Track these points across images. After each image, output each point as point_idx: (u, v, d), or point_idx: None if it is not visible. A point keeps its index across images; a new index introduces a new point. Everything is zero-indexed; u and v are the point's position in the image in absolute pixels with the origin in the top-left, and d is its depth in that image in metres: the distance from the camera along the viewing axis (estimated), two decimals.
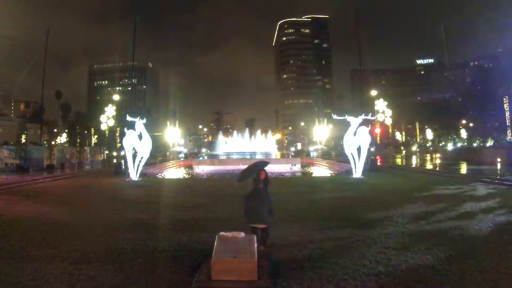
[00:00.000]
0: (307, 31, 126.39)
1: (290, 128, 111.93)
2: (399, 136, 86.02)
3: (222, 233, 4.73)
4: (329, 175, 21.46)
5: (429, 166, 24.99)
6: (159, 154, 42.52)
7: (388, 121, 32.13)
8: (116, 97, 39.84)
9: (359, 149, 17.46)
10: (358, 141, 17.26)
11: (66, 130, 60.84)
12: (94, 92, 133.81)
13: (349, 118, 17.61)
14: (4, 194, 12.61)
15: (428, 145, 73.55)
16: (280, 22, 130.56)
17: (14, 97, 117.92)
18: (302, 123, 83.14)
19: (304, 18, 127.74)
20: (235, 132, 75.08)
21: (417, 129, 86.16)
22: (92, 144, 52.24)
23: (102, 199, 11.47)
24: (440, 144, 71.44)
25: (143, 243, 5.86)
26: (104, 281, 4.23)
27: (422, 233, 6.25)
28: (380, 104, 30.78)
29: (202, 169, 27.42)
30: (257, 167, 6.57)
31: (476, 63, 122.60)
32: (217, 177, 20.01)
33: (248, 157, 32.25)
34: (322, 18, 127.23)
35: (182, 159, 41.72)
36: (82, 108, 68.99)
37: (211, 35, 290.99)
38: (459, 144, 65.63)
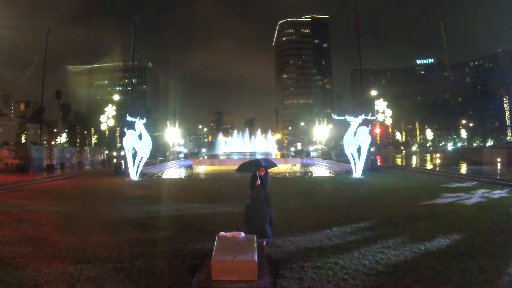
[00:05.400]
0: (307, 31, 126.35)
1: (290, 128, 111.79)
2: (399, 136, 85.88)
3: (222, 233, 4.74)
4: (329, 175, 21.45)
5: (429, 166, 24.99)
6: (159, 154, 42.53)
7: (388, 121, 32.19)
8: (116, 97, 39.82)
9: (359, 149, 17.46)
10: (358, 141, 17.26)
11: (66, 130, 60.80)
12: (94, 92, 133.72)
13: (349, 118, 17.62)
14: (4, 194, 12.61)
15: (428, 145, 73.55)
16: (280, 22, 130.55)
17: (14, 97, 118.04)
18: (302, 123, 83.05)
19: (304, 18, 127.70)
20: (235, 132, 75.19)
21: (417, 129, 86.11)
22: (92, 144, 52.20)
23: (102, 199, 11.47)
24: (440, 144, 71.45)
25: (143, 243, 5.87)
26: (104, 281, 4.23)
27: (422, 233, 6.25)
28: (380, 104, 30.82)
29: (202, 169, 27.43)
30: (257, 163, 6.58)
31: (476, 63, 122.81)
32: (217, 177, 20.00)
33: (248, 157, 32.25)
34: (322, 18, 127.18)
35: (182, 159, 41.71)
36: (82, 108, 68.76)
37: (212, 35, 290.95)
38: (459, 144, 65.61)
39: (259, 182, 6.19)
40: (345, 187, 13.73)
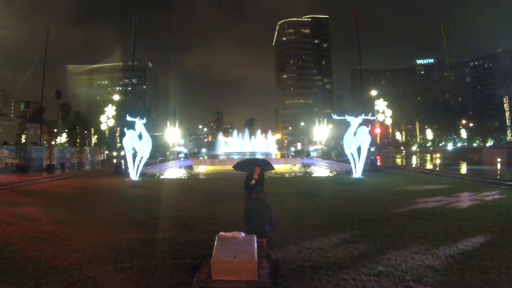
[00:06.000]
0: (307, 31, 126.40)
1: (290, 128, 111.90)
2: (399, 136, 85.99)
3: (222, 233, 4.73)
4: (329, 175, 21.45)
5: (429, 166, 24.98)
6: (159, 154, 42.51)
7: (388, 121, 32.11)
8: (116, 97, 39.79)
9: (359, 149, 17.46)
10: (358, 141, 17.25)
11: (66, 130, 60.81)
12: (94, 92, 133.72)
13: (349, 118, 17.62)
14: (4, 194, 12.61)
15: (428, 145, 73.55)
16: (280, 22, 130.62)
17: (14, 97, 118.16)
18: (302, 123, 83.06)
19: (304, 18, 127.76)
20: (235, 132, 75.18)
21: (417, 129, 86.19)
22: (92, 144, 52.18)
23: (102, 199, 11.48)
24: (440, 144, 71.42)
25: (143, 243, 5.86)
26: (104, 281, 4.23)
27: (422, 233, 6.25)
28: (380, 104, 30.78)
29: (202, 169, 27.42)
30: (254, 164, 6.58)
31: (476, 63, 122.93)
32: (217, 177, 20.00)
33: (248, 157, 32.20)
34: (322, 18, 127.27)
35: (182, 159, 41.71)
36: (82, 108, 68.70)
37: (212, 35, 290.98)
38: (459, 144, 65.59)
39: (254, 182, 6.20)
40: (345, 187, 13.73)
